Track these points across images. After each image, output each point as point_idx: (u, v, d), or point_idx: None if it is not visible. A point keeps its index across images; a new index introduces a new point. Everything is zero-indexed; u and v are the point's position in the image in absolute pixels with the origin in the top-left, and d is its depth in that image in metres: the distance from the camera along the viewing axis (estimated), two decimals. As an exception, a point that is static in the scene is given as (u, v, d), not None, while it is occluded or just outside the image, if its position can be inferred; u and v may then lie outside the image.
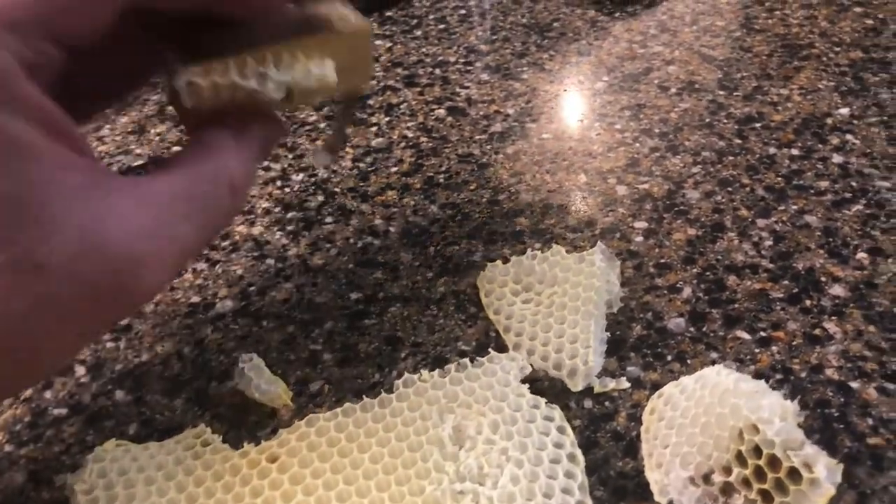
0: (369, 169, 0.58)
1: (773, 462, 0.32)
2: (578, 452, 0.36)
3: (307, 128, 0.63)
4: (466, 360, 0.40)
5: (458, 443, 0.36)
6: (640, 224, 0.50)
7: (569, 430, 0.37)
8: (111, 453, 0.39)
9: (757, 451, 0.33)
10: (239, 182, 0.29)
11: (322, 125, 0.63)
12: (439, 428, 0.36)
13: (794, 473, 0.32)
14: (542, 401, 0.38)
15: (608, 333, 0.42)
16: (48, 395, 0.45)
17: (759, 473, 0.32)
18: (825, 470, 0.31)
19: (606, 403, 0.40)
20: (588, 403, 0.40)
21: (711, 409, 0.34)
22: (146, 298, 0.27)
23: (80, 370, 0.46)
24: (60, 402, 0.45)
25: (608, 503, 0.35)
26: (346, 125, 0.55)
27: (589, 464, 0.36)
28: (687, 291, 0.45)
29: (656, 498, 0.35)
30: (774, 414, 0.33)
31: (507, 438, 0.36)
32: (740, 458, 0.33)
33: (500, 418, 0.37)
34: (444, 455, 0.35)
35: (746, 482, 0.33)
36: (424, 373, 0.40)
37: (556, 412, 0.37)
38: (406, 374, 0.40)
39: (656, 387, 0.40)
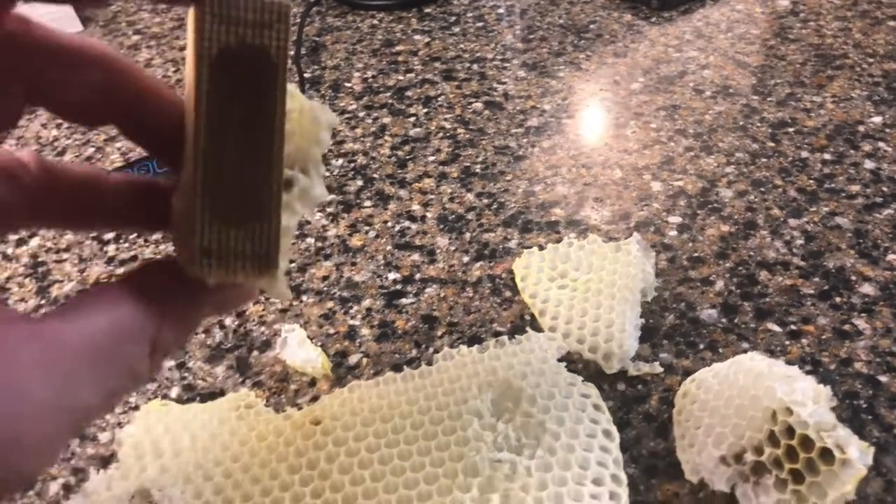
0: (407, 157, 0.59)
1: (806, 443, 0.33)
2: (614, 429, 0.37)
3: (347, 116, 0.64)
4: (504, 337, 0.41)
5: (496, 415, 0.37)
6: (675, 219, 0.51)
7: (604, 407, 0.38)
8: (157, 411, 0.40)
9: (789, 431, 0.33)
10: (164, 348, 0.23)
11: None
12: (478, 400, 0.38)
13: (825, 454, 0.33)
14: (579, 379, 0.39)
15: (642, 320, 0.43)
16: (93, 357, 0.46)
17: (791, 454, 0.33)
18: (857, 451, 0.32)
19: (639, 387, 0.41)
20: (621, 386, 0.41)
21: (745, 392, 0.35)
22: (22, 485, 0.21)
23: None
24: (105, 364, 0.46)
25: (640, 480, 0.36)
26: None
27: (621, 443, 0.37)
28: (719, 284, 0.46)
29: (687, 476, 0.36)
30: (808, 397, 0.34)
31: (543, 412, 0.37)
32: (773, 439, 0.34)
33: (537, 393, 0.38)
34: (482, 425, 0.36)
35: (778, 462, 0.34)
36: (463, 348, 0.41)
37: (593, 390, 0.38)
38: (445, 349, 0.41)
39: (688, 373, 0.41)
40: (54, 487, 0.39)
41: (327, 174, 0.59)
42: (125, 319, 0.21)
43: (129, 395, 0.25)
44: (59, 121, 0.67)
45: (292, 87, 0.23)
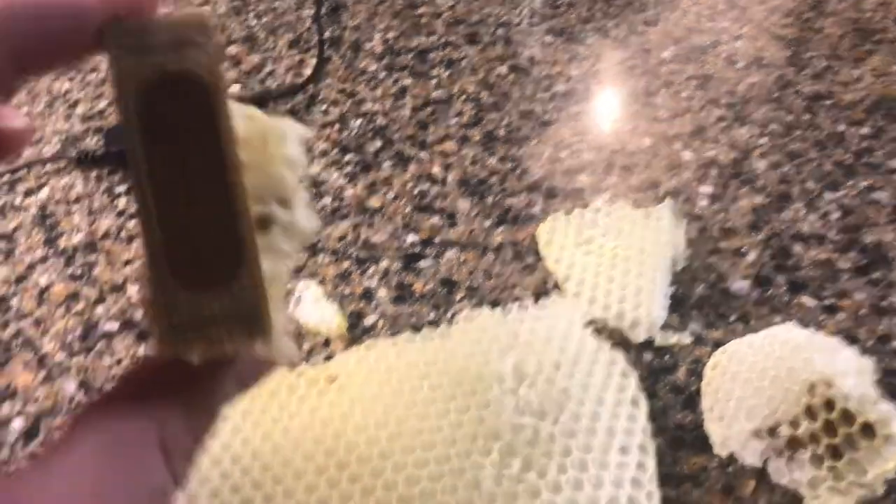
0: (428, 119, 0.58)
1: (846, 417, 0.31)
2: (642, 398, 0.35)
3: (367, 76, 0.63)
4: (528, 301, 0.40)
5: (518, 379, 0.36)
6: (706, 189, 0.49)
7: (632, 375, 0.36)
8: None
9: (829, 405, 0.32)
10: (183, 447, 0.19)
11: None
12: (499, 363, 0.36)
13: (866, 430, 0.31)
14: (606, 345, 0.37)
15: (672, 289, 0.42)
16: (100, 310, 0.45)
17: (830, 428, 0.32)
18: (902, 427, 0.30)
19: (666, 357, 0.39)
20: (648, 356, 0.39)
21: (782, 364, 0.34)
22: None
23: (133, 289, 0.46)
24: (112, 317, 0.45)
25: (666, 453, 0.35)
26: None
27: (647, 414, 0.36)
28: (752, 256, 0.44)
29: (716, 450, 0.35)
30: (850, 369, 0.32)
31: (568, 377, 0.35)
32: (810, 412, 0.32)
33: (562, 358, 0.36)
34: (503, 389, 0.35)
35: (814, 437, 0.32)
36: (485, 310, 0.40)
37: (620, 357, 0.37)
38: (466, 311, 0.40)
39: (718, 344, 0.39)
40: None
41: (345, 133, 0.57)
42: (111, 439, 0.18)
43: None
44: (71, 74, 0.65)
45: (248, 109, 0.19)
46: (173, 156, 0.18)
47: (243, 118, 0.19)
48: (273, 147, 0.19)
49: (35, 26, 0.18)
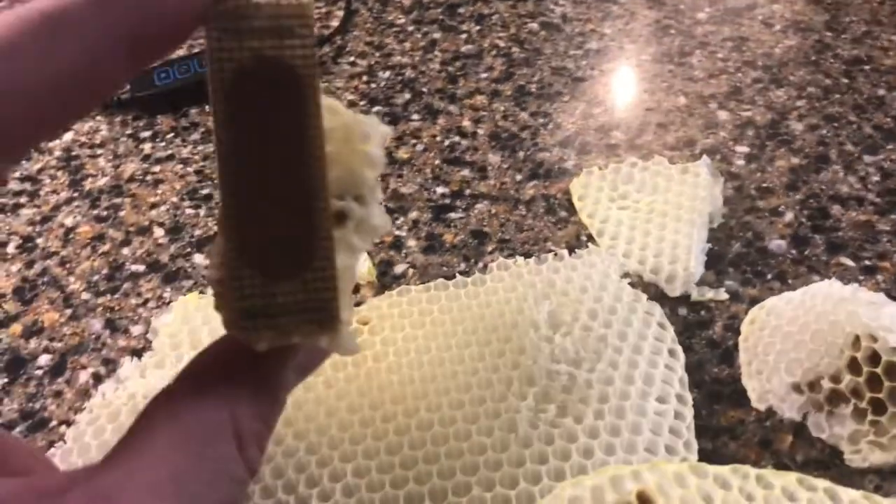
0: (458, 73, 0.57)
1: (891, 371, 0.31)
2: (679, 349, 0.35)
3: (395, 29, 0.62)
4: (564, 251, 0.39)
5: (553, 327, 0.35)
6: (742, 148, 0.48)
7: (669, 326, 0.36)
8: (195, 303, 0.38)
9: (874, 359, 0.31)
10: (254, 435, 0.19)
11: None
12: (534, 311, 0.35)
13: (913, 384, 0.30)
14: (643, 296, 0.37)
15: (708, 245, 0.41)
16: (126, 251, 0.45)
17: (874, 382, 0.31)
18: (950, 382, 0.30)
19: (702, 312, 0.38)
20: (683, 311, 0.38)
21: (824, 317, 0.33)
22: None
23: (159, 231, 0.46)
24: (138, 259, 0.44)
25: (702, 406, 0.34)
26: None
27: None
28: (789, 216, 0.43)
29: (754, 404, 0.34)
30: (896, 323, 0.31)
31: (605, 326, 0.35)
32: (853, 366, 0.32)
33: (599, 307, 0.36)
34: (539, 336, 0.34)
35: (857, 391, 0.32)
36: (520, 259, 0.39)
37: (657, 308, 0.36)
38: (500, 259, 0.39)
39: (754, 301, 0.38)
40: (84, 376, 0.38)
41: (373, 86, 0.56)
42: (184, 428, 0.18)
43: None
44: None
45: (332, 102, 0.19)
46: (259, 141, 0.17)
47: (327, 111, 0.18)
48: (356, 143, 0.19)
49: (147, 12, 0.18)
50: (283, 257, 0.17)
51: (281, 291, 0.17)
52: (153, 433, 0.18)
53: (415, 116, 0.53)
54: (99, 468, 0.18)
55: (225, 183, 0.17)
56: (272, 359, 0.19)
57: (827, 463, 0.32)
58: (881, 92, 0.52)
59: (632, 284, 0.39)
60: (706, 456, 0.32)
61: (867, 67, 0.54)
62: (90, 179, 0.50)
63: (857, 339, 0.32)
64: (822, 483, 0.28)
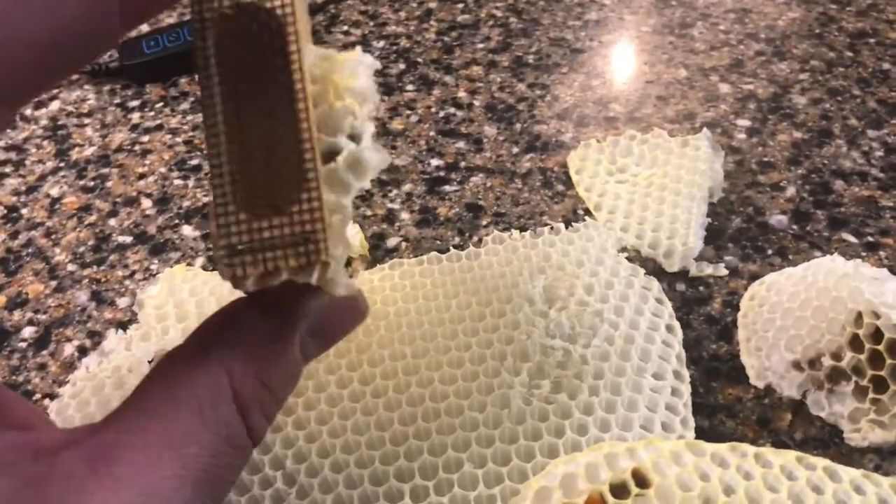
0: (454, 43, 0.55)
1: (893, 348, 0.30)
2: (676, 324, 0.34)
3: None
4: (560, 224, 0.38)
5: (548, 302, 0.34)
6: (744, 122, 0.47)
7: (667, 302, 0.35)
8: (182, 275, 0.37)
9: (876, 336, 0.30)
10: (256, 397, 0.19)
11: None
12: (529, 285, 0.35)
13: (916, 362, 0.30)
14: (641, 271, 0.36)
15: (708, 219, 0.40)
16: (112, 222, 0.44)
17: (875, 360, 0.30)
18: (954, 359, 0.29)
19: (701, 288, 0.38)
20: (681, 286, 0.38)
21: (826, 294, 0.32)
22: None
23: (147, 202, 0.45)
24: (125, 230, 0.43)
25: (700, 383, 0.33)
26: None
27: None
28: (791, 191, 0.42)
29: (752, 381, 0.33)
30: (900, 300, 0.31)
31: (601, 301, 0.34)
32: (855, 343, 0.31)
33: (595, 282, 0.35)
34: (534, 311, 0.34)
35: (858, 368, 0.31)
36: (515, 233, 0.38)
37: (654, 283, 0.35)
38: (495, 232, 0.38)
39: (754, 277, 0.37)
40: (69, 349, 0.37)
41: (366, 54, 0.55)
42: (179, 390, 0.18)
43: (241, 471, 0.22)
44: None
45: (323, 50, 0.19)
46: (245, 85, 0.18)
47: (319, 57, 0.19)
48: (343, 79, 0.19)
49: None
50: (269, 194, 0.17)
51: (266, 227, 0.17)
52: (154, 395, 0.18)
53: (409, 87, 0.52)
54: (99, 427, 0.18)
55: (209, 125, 0.18)
56: (277, 321, 0.19)
57: (826, 442, 0.31)
58: (886, 66, 0.51)
59: (629, 259, 0.38)
60: (703, 433, 0.31)
61: (872, 41, 0.53)
62: (77, 149, 0.49)
63: (859, 315, 0.31)
64: (821, 462, 0.27)
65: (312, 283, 0.17)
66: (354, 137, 0.18)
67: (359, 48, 0.19)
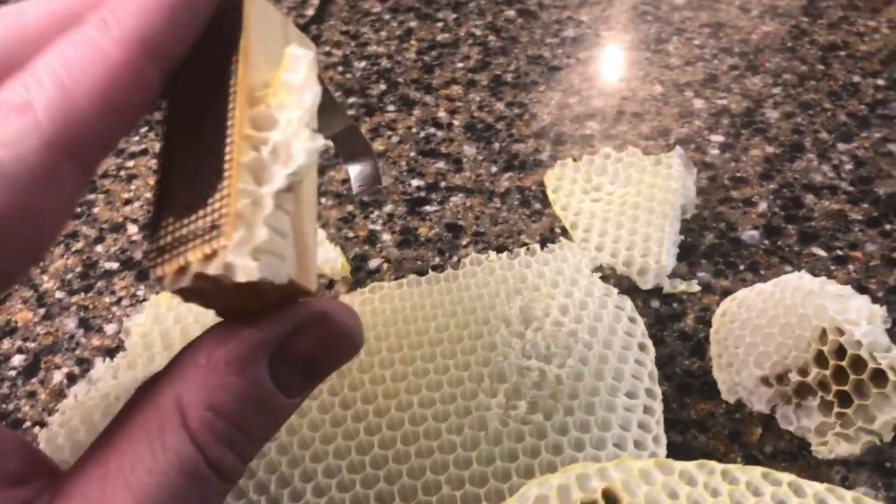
0: (434, 62, 0.56)
1: (857, 364, 0.31)
2: (649, 343, 0.35)
3: (371, 18, 0.61)
4: (536, 245, 0.39)
5: (524, 323, 0.35)
6: (717, 137, 0.48)
7: (640, 320, 0.36)
8: (167, 303, 0.38)
9: (840, 352, 0.31)
10: (194, 414, 0.18)
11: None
12: (506, 306, 0.36)
13: (877, 376, 0.31)
14: (614, 290, 0.37)
15: (681, 237, 0.41)
16: (99, 248, 0.44)
17: (839, 375, 0.31)
18: (914, 374, 0.30)
19: (674, 304, 0.39)
20: (655, 303, 0.39)
21: (793, 310, 0.33)
22: None
23: (133, 228, 0.46)
24: (112, 256, 0.44)
25: (673, 399, 0.34)
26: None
27: (655, 360, 0.35)
28: (762, 206, 0.43)
29: (724, 396, 0.34)
30: (862, 316, 0.32)
31: (576, 321, 0.35)
32: (820, 359, 0.32)
33: (569, 302, 0.36)
34: (510, 332, 0.34)
35: (824, 384, 0.32)
36: (492, 254, 0.39)
37: (628, 303, 0.36)
38: (473, 254, 0.39)
39: (727, 293, 0.38)
40: (58, 376, 0.38)
41: (349, 76, 0.56)
42: (140, 420, 0.18)
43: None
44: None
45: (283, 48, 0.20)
46: (195, 101, 0.19)
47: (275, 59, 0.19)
48: (280, 75, 0.19)
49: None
50: (192, 195, 0.18)
51: (185, 224, 0.17)
52: (114, 426, 0.18)
53: (390, 108, 0.53)
54: (69, 471, 0.18)
55: (164, 145, 0.19)
56: (237, 347, 0.18)
57: (795, 455, 0.32)
58: (856, 78, 0.52)
59: (605, 278, 0.39)
60: (676, 449, 0.32)
61: (843, 53, 0.55)
62: (63, 175, 0.50)
63: (823, 332, 0.32)
64: (786, 477, 0.28)
65: (216, 272, 0.17)
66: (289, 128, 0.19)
67: (295, 45, 0.20)
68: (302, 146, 0.18)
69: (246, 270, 0.17)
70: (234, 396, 0.18)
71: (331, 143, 0.20)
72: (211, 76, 0.19)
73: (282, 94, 0.19)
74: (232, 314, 0.19)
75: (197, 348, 0.19)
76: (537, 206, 0.44)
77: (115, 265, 0.43)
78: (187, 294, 0.18)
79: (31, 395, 0.37)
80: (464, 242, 0.43)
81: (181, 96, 0.19)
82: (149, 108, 0.19)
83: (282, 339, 0.19)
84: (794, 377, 0.32)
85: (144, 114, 0.19)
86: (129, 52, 0.17)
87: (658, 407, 0.32)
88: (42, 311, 0.41)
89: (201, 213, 0.17)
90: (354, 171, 0.33)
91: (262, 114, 0.19)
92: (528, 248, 0.39)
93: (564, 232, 0.42)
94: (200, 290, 0.18)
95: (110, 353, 0.38)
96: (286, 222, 0.18)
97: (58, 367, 0.38)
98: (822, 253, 0.41)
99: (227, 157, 0.17)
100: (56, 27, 0.19)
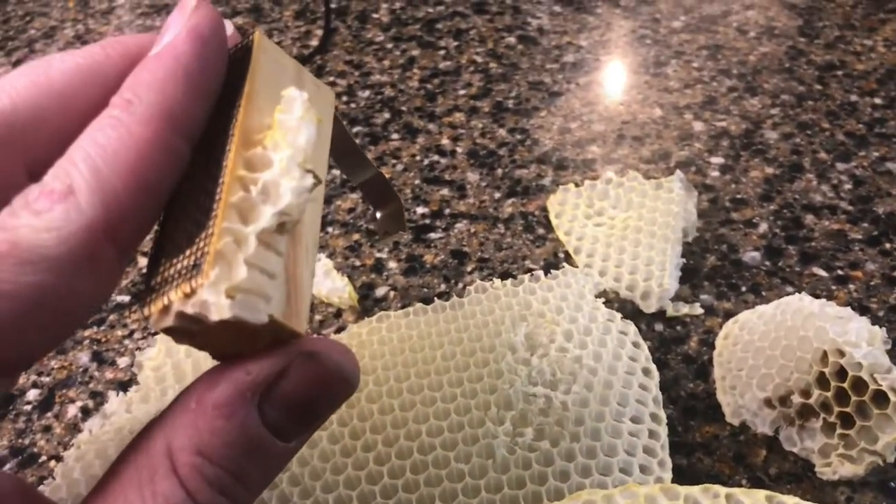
0: (437, 90, 0.57)
1: (858, 385, 0.31)
2: (653, 367, 0.35)
3: (374, 47, 0.62)
4: (540, 272, 0.40)
5: (530, 349, 0.36)
6: (717, 160, 0.49)
7: (643, 345, 0.36)
8: (179, 336, 0.39)
9: (841, 374, 0.32)
10: (190, 466, 0.18)
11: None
12: (511, 333, 0.36)
13: (879, 398, 0.31)
14: (618, 315, 0.37)
15: (683, 260, 0.41)
16: (112, 282, 0.45)
17: (841, 396, 0.32)
18: (914, 395, 0.30)
19: (678, 328, 0.39)
20: (659, 326, 0.39)
21: (794, 333, 0.34)
22: None
23: (143, 261, 0.46)
24: (123, 290, 0.45)
25: (678, 422, 0.35)
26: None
27: (659, 384, 0.36)
28: (763, 227, 0.44)
29: (728, 419, 0.35)
30: (862, 338, 0.32)
31: (580, 347, 0.35)
32: (822, 381, 0.32)
33: (574, 328, 0.36)
34: (516, 359, 0.35)
35: (826, 405, 0.32)
36: (497, 281, 0.40)
37: (631, 327, 0.37)
38: (477, 282, 0.40)
39: (729, 315, 0.39)
40: (72, 410, 0.38)
41: (353, 105, 0.57)
42: (129, 463, 0.18)
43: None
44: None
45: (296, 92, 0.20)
46: (202, 147, 0.19)
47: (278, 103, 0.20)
48: (278, 113, 0.19)
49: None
50: (186, 233, 0.18)
51: (173, 264, 0.18)
52: (111, 473, 0.19)
53: (395, 136, 0.54)
54: None
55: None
56: (226, 390, 0.18)
57: (800, 476, 0.33)
58: (853, 98, 0.53)
59: (608, 302, 0.39)
60: (681, 472, 0.33)
61: (840, 73, 0.55)
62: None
63: (824, 354, 0.32)
64: (791, 500, 0.28)
65: (192, 311, 0.17)
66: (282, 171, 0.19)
67: (292, 87, 0.20)
68: (290, 185, 0.18)
69: (218, 308, 0.17)
70: (222, 440, 0.18)
71: (322, 181, 0.20)
72: (216, 122, 0.20)
73: (277, 134, 0.19)
74: (225, 356, 0.19)
75: (189, 393, 0.19)
76: (541, 231, 0.45)
77: (126, 298, 0.44)
78: (177, 335, 0.18)
79: (47, 429, 0.38)
80: (469, 269, 0.43)
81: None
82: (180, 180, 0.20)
83: (270, 381, 0.19)
84: (797, 399, 0.33)
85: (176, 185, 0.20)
86: (155, 129, 0.18)
87: (663, 431, 0.33)
88: (56, 345, 0.42)
89: (188, 252, 0.18)
90: (381, 216, 0.34)
91: (258, 155, 0.19)
92: (532, 275, 0.40)
93: (568, 257, 0.43)
94: (189, 331, 0.18)
95: (123, 386, 0.39)
96: (275, 263, 0.18)
97: (72, 401, 0.39)
98: (822, 273, 0.41)
99: (217, 198, 0.18)
100: (82, 82, 0.20)
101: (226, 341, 0.18)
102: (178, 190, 0.19)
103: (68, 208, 0.17)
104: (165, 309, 0.18)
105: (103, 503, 0.18)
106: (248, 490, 0.19)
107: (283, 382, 0.19)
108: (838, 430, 0.32)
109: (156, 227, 0.20)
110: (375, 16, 0.66)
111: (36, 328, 0.17)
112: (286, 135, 0.19)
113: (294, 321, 0.19)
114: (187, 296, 0.17)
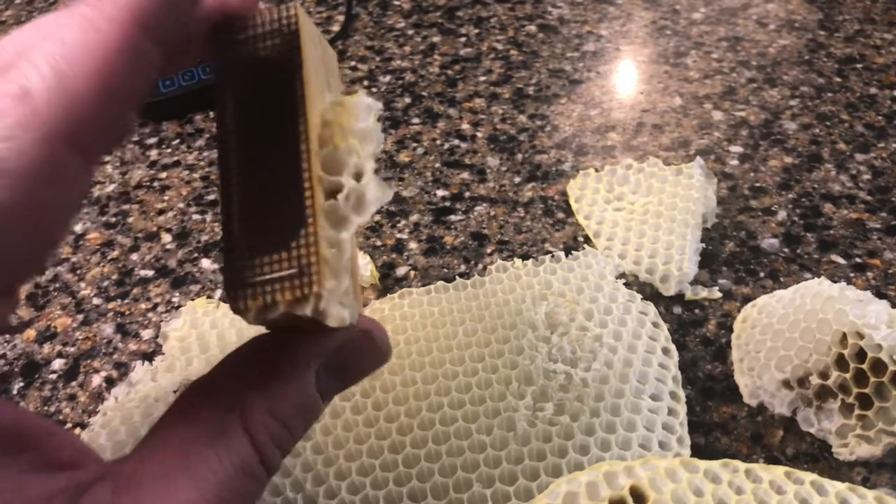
0: (457, 77, 0.58)
1: (877, 367, 0.32)
2: (673, 347, 0.36)
3: (395, 33, 0.63)
4: (560, 253, 0.40)
5: (550, 328, 0.36)
6: (736, 148, 0.49)
7: (663, 325, 0.37)
8: (203, 308, 0.39)
9: (860, 355, 0.32)
10: (265, 430, 0.19)
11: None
12: (532, 312, 0.37)
13: (897, 379, 0.31)
14: (638, 296, 0.38)
15: (702, 245, 0.42)
16: (134, 257, 0.46)
17: (860, 378, 0.32)
18: (933, 377, 0.31)
19: (696, 311, 0.39)
20: (677, 309, 0.39)
21: (813, 315, 0.34)
22: None
23: (167, 237, 0.47)
24: (147, 264, 0.45)
25: (696, 402, 0.35)
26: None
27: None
28: (782, 215, 0.44)
29: (746, 400, 0.35)
30: (881, 320, 0.32)
31: (600, 326, 0.36)
32: (841, 363, 0.33)
33: (594, 307, 0.37)
34: (537, 337, 0.35)
35: (844, 387, 0.33)
36: (517, 261, 0.40)
37: (651, 308, 0.37)
38: (499, 261, 0.40)
39: (747, 299, 0.39)
40: (97, 380, 0.39)
41: (374, 90, 0.57)
42: (194, 421, 0.19)
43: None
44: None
45: (333, 94, 0.21)
46: (257, 130, 0.20)
47: (332, 102, 0.20)
48: (348, 121, 0.20)
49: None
50: (272, 231, 0.19)
51: (267, 262, 0.18)
52: (173, 426, 0.19)
53: (415, 120, 0.54)
54: (125, 459, 0.19)
55: (223, 167, 0.19)
56: (292, 356, 0.20)
57: (816, 456, 0.33)
58: (873, 90, 0.53)
59: (627, 284, 0.40)
60: (699, 451, 0.33)
61: (859, 66, 0.55)
62: (98, 186, 0.51)
63: (843, 336, 0.33)
64: (809, 476, 0.29)
65: (307, 314, 0.18)
66: (358, 175, 0.20)
67: (362, 91, 0.21)
68: (374, 196, 0.19)
69: (339, 317, 0.18)
70: (289, 402, 0.20)
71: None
72: (270, 100, 0.20)
73: (352, 140, 0.20)
74: (283, 330, 0.21)
75: (256, 358, 0.20)
76: (560, 215, 0.45)
77: (150, 273, 0.45)
78: (260, 321, 0.19)
79: (72, 397, 0.38)
80: (488, 251, 0.44)
81: (236, 113, 0.20)
82: (151, 91, 0.19)
83: (332, 353, 0.21)
84: (815, 380, 0.33)
85: (146, 96, 0.19)
86: (124, 28, 0.17)
87: (682, 409, 0.33)
88: (80, 317, 0.42)
89: (285, 254, 0.18)
90: None
91: (331, 156, 0.20)
92: (552, 256, 0.40)
93: (587, 240, 0.43)
94: (275, 321, 0.19)
95: (147, 357, 0.40)
96: (348, 262, 0.20)
97: (96, 371, 0.40)
98: (840, 260, 0.41)
99: (305, 201, 0.19)
100: None
101: (291, 324, 0.19)
102: (229, 165, 0.20)
103: (25, 114, 0.16)
104: (267, 307, 0.18)
105: (170, 452, 0.19)
106: (294, 441, 0.20)
107: (339, 354, 0.21)
108: (856, 412, 0.32)
109: (222, 205, 0.20)
110: (396, 3, 0.66)
111: (7, 247, 0.17)
112: (364, 143, 0.20)
113: (359, 309, 0.21)
114: (297, 300, 0.18)
